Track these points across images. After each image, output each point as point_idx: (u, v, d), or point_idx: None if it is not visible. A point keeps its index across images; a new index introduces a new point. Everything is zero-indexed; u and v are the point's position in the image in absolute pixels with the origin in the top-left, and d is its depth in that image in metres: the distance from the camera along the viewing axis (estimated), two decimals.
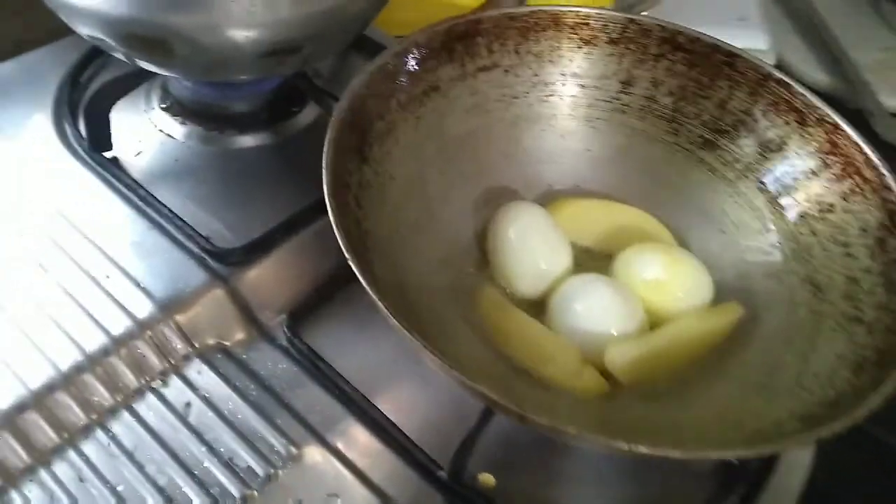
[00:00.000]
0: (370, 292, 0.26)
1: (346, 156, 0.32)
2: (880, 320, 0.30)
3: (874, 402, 0.25)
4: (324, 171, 0.29)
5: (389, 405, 0.36)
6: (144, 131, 0.47)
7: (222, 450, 0.34)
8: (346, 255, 0.27)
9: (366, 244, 0.31)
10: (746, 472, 0.35)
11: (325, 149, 0.30)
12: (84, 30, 0.39)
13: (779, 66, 0.38)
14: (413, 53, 0.35)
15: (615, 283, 0.34)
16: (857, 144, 0.34)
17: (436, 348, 0.26)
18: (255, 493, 0.33)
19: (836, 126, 0.35)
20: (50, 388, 0.34)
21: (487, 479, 0.35)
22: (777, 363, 0.31)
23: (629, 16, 0.38)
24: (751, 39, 0.64)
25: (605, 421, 0.28)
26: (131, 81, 0.45)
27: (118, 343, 0.36)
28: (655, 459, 0.35)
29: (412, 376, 0.38)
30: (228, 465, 0.33)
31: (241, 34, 0.36)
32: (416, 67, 0.36)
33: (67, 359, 0.35)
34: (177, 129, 0.47)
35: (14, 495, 0.32)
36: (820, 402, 0.28)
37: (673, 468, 0.36)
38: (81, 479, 0.33)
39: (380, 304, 0.26)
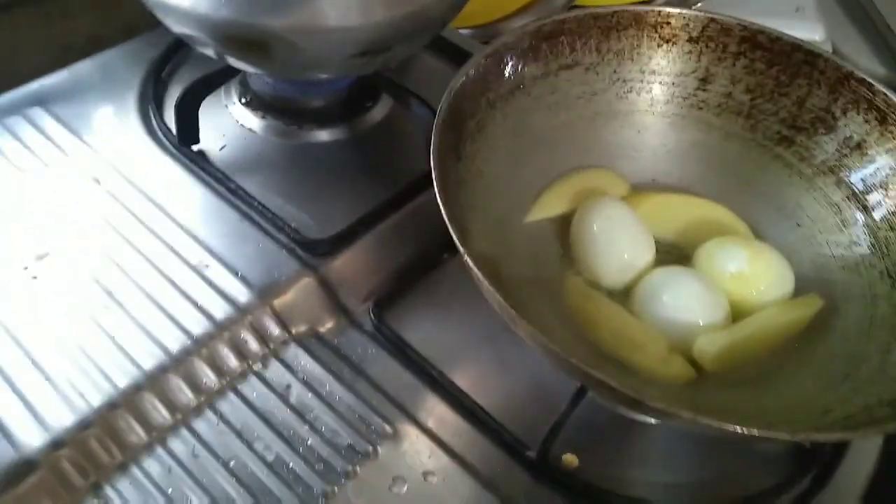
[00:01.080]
0: (481, 279, 0.28)
1: (447, 153, 0.33)
2: None
3: None
4: (433, 171, 0.31)
5: (473, 387, 0.38)
6: (226, 126, 0.49)
7: (323, 428, 0.36)
8: (460, 249, 0.29)
9: (465, 238, 0.33)
10: (817, 457, 0.37)
11: (432, 148, 0.32)
12: (180, 28, 0.41)
13: None
14: (504, 54, 0.37)
15: (700, 276, 0.36)
16: None
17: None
18: (357, 468, 0.35)
19: None
20: (162, 370, 0.36)
21: (571, 459, 0.36)
22: (860, 353, 0.33)
23: (710, 14, 0.39)
24: (807, 30, 0.64)
25: (694, 406, 0.30)
26: (219, 77, 0.47)
27: (221, 328, 0.38)
28: (752, 440, 0.36)
29: (493, 361, 0.40)
30: (331, 442, 0.36)
31: (336, 37, 0.37)
32: (507, 68, 0.37)
33: (176, 343, 0.37)
34: (257, 124, 0.49)
35: (135, 470, 0.34)
36: None
37: (743, 452, 0.38)
38: (195, 455, 0.35)
39: (489, 287, 0.28)
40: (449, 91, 0.34)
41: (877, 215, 0.37)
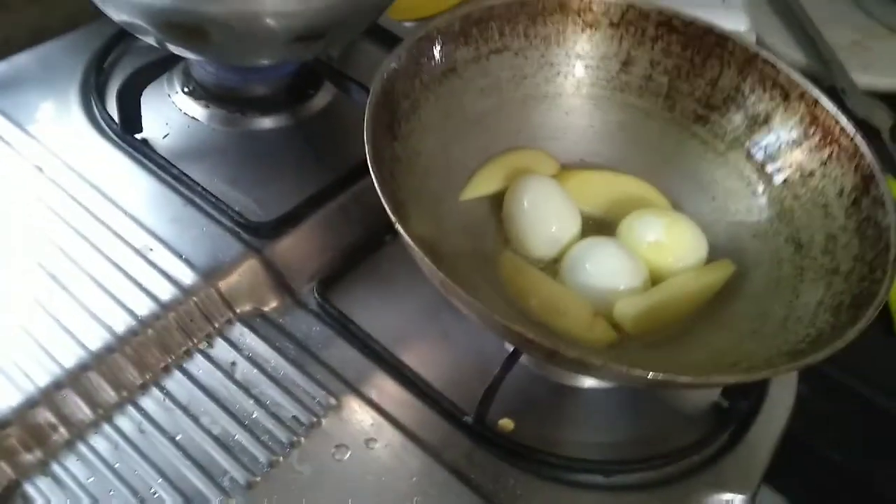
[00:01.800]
0: (415, 249, 0.30)
1: (381, 131, 0.35)
2: (855, 270, 0.34)
3: (852, 335, 0.29)
4: (366, 145, 0.32)
5: (415, 360, 0.40)
6: (169, 114, 0.50)
7: (268, 402, 0.37)
8: (392, 218, 0.30)
9: (401, 213, 0.35)
10: (733, 415, 0.40)
11: (365, 125, 0.33)
12: (120, 16, 0.42)
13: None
14: (435, 38, 0.39)
15: (621, 245, 0.38)
16: (834, 117, 0.38)
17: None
18: (302, 438, 0.36)
19: (816, 101, 0.39)
20: (108, 350, 0.37)
21: (507, 423, 0.39)
22: (765, 312, 0.35)
23: (629, 1, 0.42)
24: (732, 21, 0.67)
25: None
26: (160, 66, 0.48)
27: (167, 308, 0.39)
28: (661, 389, 0.39)
29: (434, 334, 0.42)
30: (276, 415, 0.37)
31: (274, 22, 0.39)
32: (438, 51, 0.39)
33: (121, 323, 0.38)
34: (200, 112, 0.50)
35: (82, 447, 0.35)
36: (803, 340, 0.32)
37: (668, 413, 0.41)
38: (142, 431, 0.36)
39: (424, 258, 0.29)
40: (381, 71, 0.35)
41: (782, 185, 0.39)
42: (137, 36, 0.44)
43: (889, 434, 0.51)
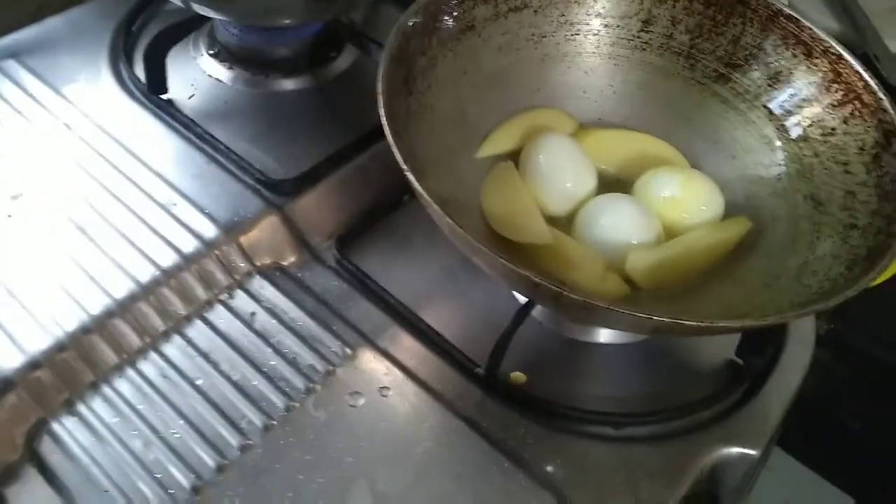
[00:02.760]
0: (422, 194, 0.30)
1: (396, 86, 0.35)
2: (873, 224, 0.33)
3: (864, 284, 0.29)
4: (379, 98, 0.33)
5: (430, 315, 0.41)
6: (195, 76, 0.51)
7: (286, 351, 0.38)
8: (404, 168, 0.31)
9: (415, 167, 0.35)
10: (749, 371, 0.40)
11: (379, 78, 0.34)
12: None
13: None
14: None
15: (635, 200, 0.38)
16: (857, 73, 0.37)
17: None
18: (318, 386, 0.37)
19: (840, 56, 0.38)
20: (132, 299, 0.38)
21: (519, 376, 0.39)
22: (780, 268, 0.35)
23: None
24: None
25: None
26: (185, 27, 0.49)
27: (189, 260, 0.40)
28: (669, 337, 0.39)
29: (449, 291, 0.43)
30: (293, 363, 0.38)
31: None
32: (456, 7, 0.39)
33: (146, 274, 0.39)
34: (224, 74, 0.51)
35: (107, 390, 0.37)
36: (817, 293, 0.32)
37: (682, 369, 0.41)
38: (164, 376, 0.37)
39: (435, 207, 0.30)
40: (398, 27, 0.36)
41: (802, 142, 0.39)
42: None
43: None
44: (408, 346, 0.40)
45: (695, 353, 0.41)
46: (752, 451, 0.37)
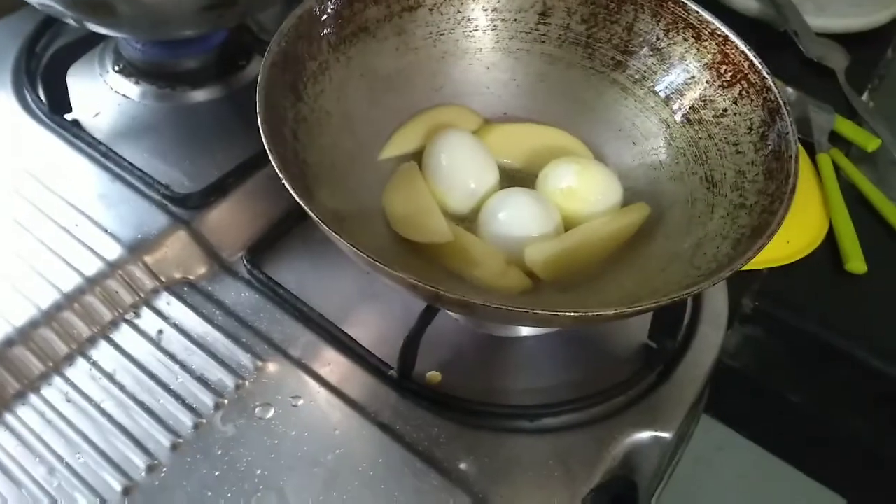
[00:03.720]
0: (290, 189, 0.30)
1: (281, 92, 0.35)
2: (758, 203, 0.34)
3: (739, 265, 0.29)
4: (257, 104, 0.32)
5: (344, 320, 0.41)
6: (101, 94, 0.50)
7: (194, 367, 0.38)
8: (280, 175, 0.31)
9: (305, 173, 0.35)
10: (661, 354, 0.40)
11: (258, 84, 0.33)
12: None
13: None
14: None
15: (533, 193, 0.38)
16: (743, 53, 0.38)
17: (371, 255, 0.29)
18: (226, 400, 0.37)
19: (726, 38, 0.39)
20: (33, 325, 0.38)
21: (434, 376, 0.39)
22: (676, 251, 0.36)
23: None
24: None
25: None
26: (82, 46, 0.48)
27: (92, 282, 0.39)
28: (562, 328, 0.39)
29: (363, 296, 0.42)
30: (201, 379, 0.37)
31: None
32: (342, 9, 0.39)
33: (47, 298, 0.39)
34: (132, 90, 0.50)
35: (8, 418, 0.36)
36: (703, 274, 0.32)
37: (599, 356, 0.41)
38: (69, 400, 0.36)
39: (308, 210, 0.29)
40: (279, 33, 0.35)
41: (696, 127, 0.39)
42: (54, 16, 0.44)
43: (844, 374, 0.51)
44: (321, 353, 0.39)
45: (611, 339, 0.42)
46: (665, 434, 0.37)
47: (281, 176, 0.30)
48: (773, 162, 0.34)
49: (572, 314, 0.27)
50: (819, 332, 0.50)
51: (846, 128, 0.57)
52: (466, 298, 0.27)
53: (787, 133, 0.34)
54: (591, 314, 0.27)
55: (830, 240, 0.50)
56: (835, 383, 0.52)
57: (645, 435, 0.37)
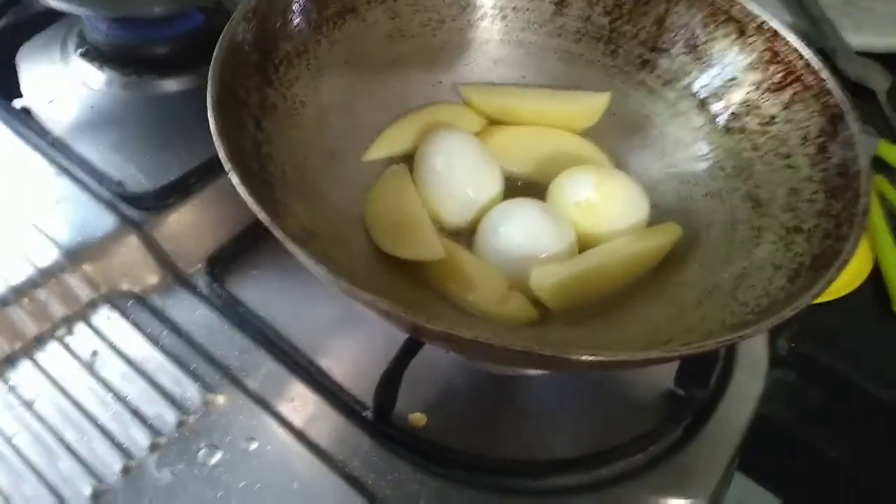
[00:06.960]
0: (242, 191, 0.24)
1: (243, 70, 0.29)
2: (819, 227, 0.28)
3: (805, 302, 0.23)
4: (209, 79, 0.27)
5: (315, 349, 0.35)
6: (59, 79, 0.45)
7: (129, 398, 0.32)
8: (226, 166, 0.25)
9: (267, 169, 0.29)
10: (689, 404, 0.34)
11: (213, 57, 0.28)
12: None
13: None
14: None
15: (543, 205, 0.32)
16: (796, 50, 0.32)
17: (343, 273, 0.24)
18: (164, 439, 0.31)
19: (776, 33, 0.33)
20: None
21: (419, 418, 0.33)
22: (715, 281, 0.30)
23: None
24: None
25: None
26: (35, 24, 0.42)
27: (18, 292, 0.34)
28: (569, 370, 0.33)
29: (339, 322, 0.36)
30: (136, 412, 0.31)
31: None
32: None
33: None
34: (95, 76, 0.44)
35: None
36: (752, 311, 0.26)
37: (615, 402, 0.35)
38: None
39: (251, 200, 0.24)
40: (243, 4, 0.30)
41: (738, 136, 0.33)
42: None
43: (886, 427, 0.45)
44: (284, 386, 0.33)
45: (630, 383, 0.35)
46: (695, 501, 0.31)
47: (227, 167, 0.24)
48: (837, 178, 0.28)
49: (588, 358, 0.21)
50: (861, 380, 0.44)
51: (891, 153, 0.52)
52: (452, 331, 0.21)
53: (854, 144, 0.28)
54: (612, 359, 0.21)
55: (876, 276, 0.45)
56: (878, 439, 0.46)
57: (670, 503, 0.31)
